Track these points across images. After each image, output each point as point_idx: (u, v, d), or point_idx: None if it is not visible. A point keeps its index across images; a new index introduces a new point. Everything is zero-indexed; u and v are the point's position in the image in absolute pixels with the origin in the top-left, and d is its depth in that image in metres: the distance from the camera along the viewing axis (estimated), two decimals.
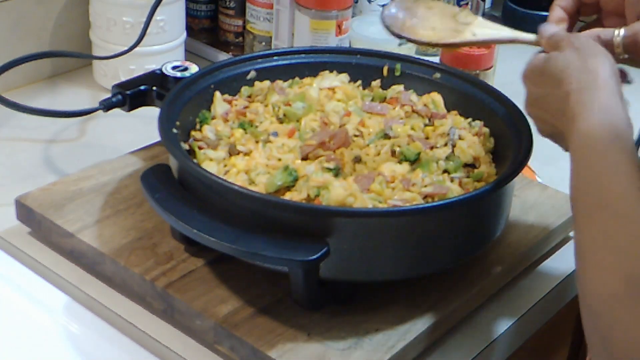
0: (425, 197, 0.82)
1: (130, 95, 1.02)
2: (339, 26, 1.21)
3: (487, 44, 1.04)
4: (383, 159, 0.87)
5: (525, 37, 0.83)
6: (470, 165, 0.89)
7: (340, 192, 0.80)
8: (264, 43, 1.28)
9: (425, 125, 0.94)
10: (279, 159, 0.86)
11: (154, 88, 1.02)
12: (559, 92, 0.73)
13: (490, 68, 1.16)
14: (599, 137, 0.68)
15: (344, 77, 1.00)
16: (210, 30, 1.36)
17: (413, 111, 0.96)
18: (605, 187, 0.66)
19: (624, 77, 0.76)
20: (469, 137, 0.91)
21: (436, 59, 1.15)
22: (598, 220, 0.66)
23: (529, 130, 0.87)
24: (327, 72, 1.00)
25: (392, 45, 1.20)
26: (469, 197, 0.80)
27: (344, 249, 0.77)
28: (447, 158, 0.88)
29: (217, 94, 0.95)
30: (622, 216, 0.64)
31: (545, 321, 0.95)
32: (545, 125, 0.79)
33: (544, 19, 0.83)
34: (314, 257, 0.75)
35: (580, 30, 0.82)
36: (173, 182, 0.84)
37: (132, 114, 1.04)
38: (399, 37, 0.86)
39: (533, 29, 0.81)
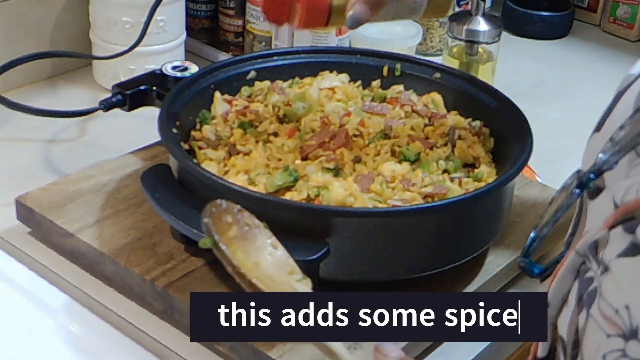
0: (425, 197, 0.82)
1: (130, 95, 1.02)
2: None
3: None
4: (383, 159, 0.87)
5: None
6: (470, 165, 0.89)
7: (340, 192, 0.80)
8: (264, 43, 1.28)
9: (425, 125, 0.94)
10: (279, 159, 0.86)
11: (154, 88, 1.02)
12: None
13: None
14: None
15: (344, 77, 1.00)
16: (210, 30, 1.36)
17: (413, 111, 0.96)
18: None
19: None
20: (469, 137, 0.91)
21: (436, 59, 1.15)
22: None
23: (529, 130, 0.87)
24: (327, 72, 1.00)
25: (392, 45, 1.20)
26: (469, 197, 0.80)
27: (344, 249, 0.77)
28: (447, 158, 0.88)
29: (217, 94, 0.95)
30: None
31: None
32: None
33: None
34: (314, 257, 0.75)
35: None
36: (173, 182, 0.84)
37: (132, 114, 1.04)
38: None
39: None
